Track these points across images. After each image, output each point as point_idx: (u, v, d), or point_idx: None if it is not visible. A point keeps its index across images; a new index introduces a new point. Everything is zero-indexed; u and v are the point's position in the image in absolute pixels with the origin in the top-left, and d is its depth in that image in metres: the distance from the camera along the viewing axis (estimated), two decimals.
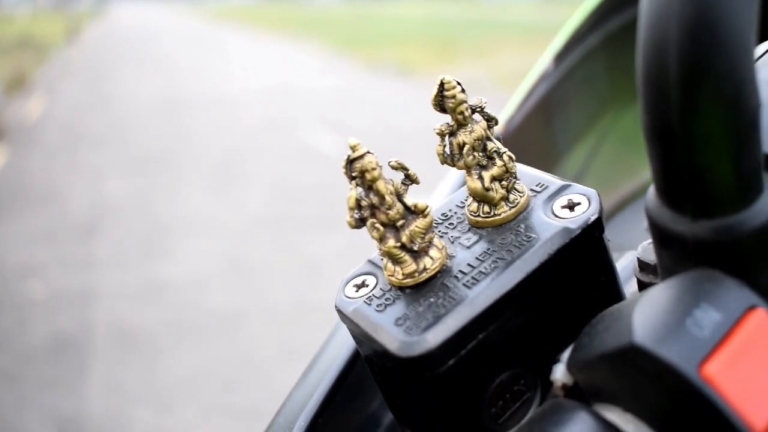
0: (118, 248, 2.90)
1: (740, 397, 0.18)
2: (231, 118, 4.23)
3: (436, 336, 0.24)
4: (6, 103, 5.94)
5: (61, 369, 2.09)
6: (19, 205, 3.54)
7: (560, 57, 0.54)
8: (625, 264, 0.35)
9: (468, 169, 0.28)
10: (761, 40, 0.29)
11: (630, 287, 0.31)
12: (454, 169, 0.29)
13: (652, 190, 0.22)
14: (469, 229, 0.29)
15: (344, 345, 0.33)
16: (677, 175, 0.20)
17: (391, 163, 0.27)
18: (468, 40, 4.44)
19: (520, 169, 0.30)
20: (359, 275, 0.29)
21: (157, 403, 1.90)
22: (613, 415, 0.22)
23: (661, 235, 0.22)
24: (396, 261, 0.27)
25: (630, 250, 0.37)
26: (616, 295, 0.28)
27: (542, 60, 0.52)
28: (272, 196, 3.11)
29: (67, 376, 2.05)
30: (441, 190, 0.44)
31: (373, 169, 0.25)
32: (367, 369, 0.29)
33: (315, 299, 2.24)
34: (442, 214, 0.31)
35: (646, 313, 0.20)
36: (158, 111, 4.63)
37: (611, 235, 0.37)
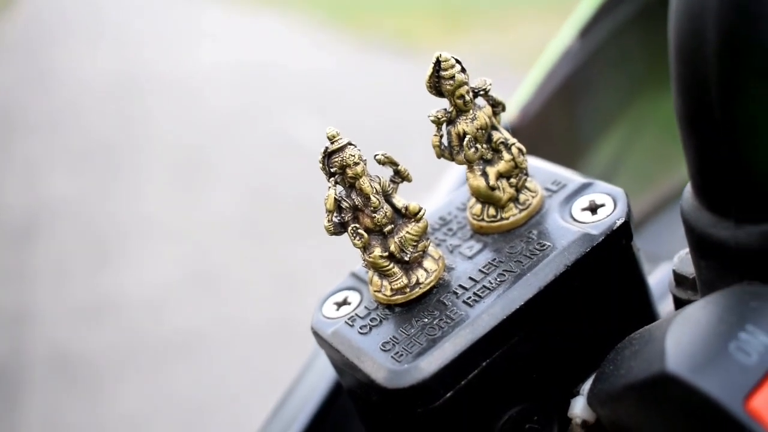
0: (58, 258, 2.88)
1: None
2: (196, 103, 4.22)
3: (430, 364, 0.24)
4: None
5: None
6: None
7: (586, 30, 0.53)
8: (659, 277, 0.35)
9: (470, 163, 0.28)
10: None
11: (666, 305, 0.31)
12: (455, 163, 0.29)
13: (688, 189, 0.22)
14: (471, 236, 0.29)
15: (324, 375, 0.33)
16: (717, 170, 0.20)
17: (377, 157, 0.27)
18: (481, 9, 4.45)
19: (532, 164, 0.30)
20: (340, 291, 0.29)
21: None
22: None
23: (699, 243, 0.22)
24: (383, 274, 0.27)
25: (667, 261, 0.37)
26: (648, 315, 0.29)
27: (563, 34, 0.52)
28: (244, 196, 3.10)
29: None
30: (441, 190, 0.44)
31: (356, 163, 0.25)
32: (351, 403, 0.29)
33: (294, 319, 2.23)
34: (440, 218, 0.31)
35: (681, 336, 0.20)
36: (108, 93, 4.62)
37: (647, 242, 0.37)
